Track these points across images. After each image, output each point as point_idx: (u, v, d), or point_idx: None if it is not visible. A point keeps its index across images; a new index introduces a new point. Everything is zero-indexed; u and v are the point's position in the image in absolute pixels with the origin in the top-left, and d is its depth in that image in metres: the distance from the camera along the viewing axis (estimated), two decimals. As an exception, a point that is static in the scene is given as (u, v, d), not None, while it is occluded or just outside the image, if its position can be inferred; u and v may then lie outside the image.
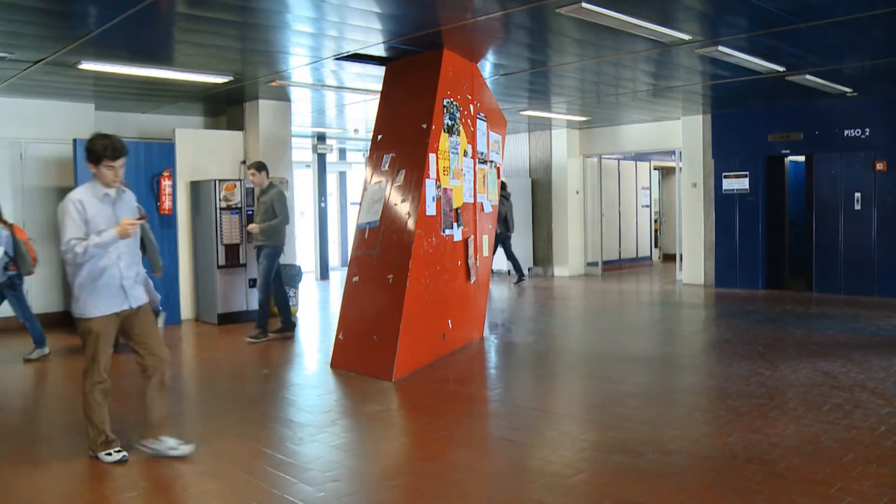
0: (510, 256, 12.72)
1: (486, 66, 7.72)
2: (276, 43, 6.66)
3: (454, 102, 6.88)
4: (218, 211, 8.89)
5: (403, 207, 6.41)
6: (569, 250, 13.89)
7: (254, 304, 9.22)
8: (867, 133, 10.28)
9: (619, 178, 15.34)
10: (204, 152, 9.55)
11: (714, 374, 6.18)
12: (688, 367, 6.57)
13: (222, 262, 8.94)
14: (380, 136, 6.90)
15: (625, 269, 15.26)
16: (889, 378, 5.72)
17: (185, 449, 4.19)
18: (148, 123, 10.36)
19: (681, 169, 12.79)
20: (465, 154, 7.11)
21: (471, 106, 7.20)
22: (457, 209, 6.94)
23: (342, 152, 16.44)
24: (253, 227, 7.91)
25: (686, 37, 6.36)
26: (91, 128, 9.34)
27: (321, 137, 14.35)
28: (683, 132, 12.24)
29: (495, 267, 12.88)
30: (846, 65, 7.98)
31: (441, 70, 6.66)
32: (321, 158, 14.62)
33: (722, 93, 9.67)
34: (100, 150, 3.97)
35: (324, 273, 14.51)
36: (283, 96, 9.50)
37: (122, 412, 4.86)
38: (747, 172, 11.44)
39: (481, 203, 7.47)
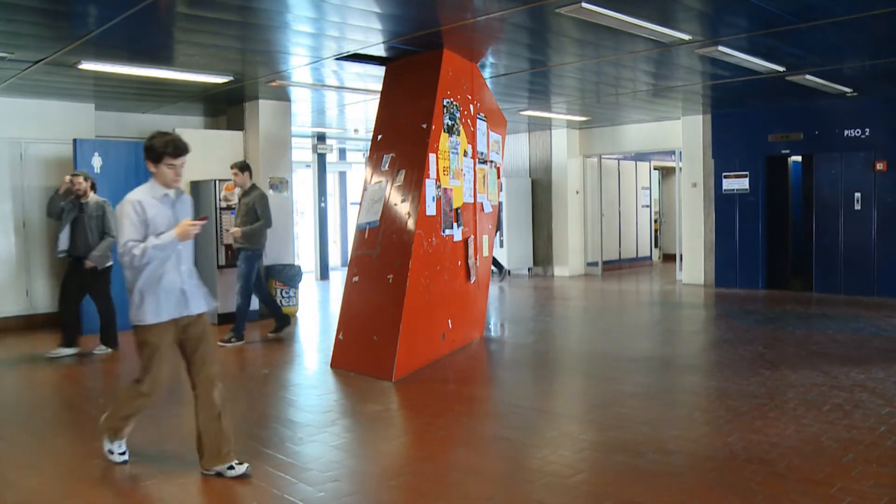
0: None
1: (486, 66, 7.72)
2: (276, 43, 6.66)
3: (454, 102, 6.88)
4: (218, 211, 8.88)
5: (403, 207, 6.41)
6: (569, 250, 13.89)
7: (253, 304, 9.22)
8: (867, 133, 10.28)
9: (619, 178, 15.34)
10: (204, 152, 9.54)
11: (714, 374, 6.18)
12: (688, 367, 6.57)
13: (222, 262, 8.94)
14: (380, 136, 6.90)
15: (625, 269, 15.26)
16: (889, 378, 5.72)
17: (241, 468, 3.90)
18: (148, 123, 10.34)
19: (681, 169, 12.79)
20: (465, 154, 7.11)
21: (471, 106, 7.20)
22: (457, 209, 6.94)
23: (342, 152, 16.44)
24: (235, 230, 7.67)
25: (686, 37, 6.36)
26: (91, 128, 9.36)
27: (321, 137, 14.35)
28: (683, 132, 12.24)
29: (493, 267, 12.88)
30: (846, 65, 7.98)
31: (441, 70, 6.66)
32: (321, 158, 14.62)
33: (722, 93, 9.67)
34: (160, 147, 3.79)
35: (324, 273, 14.51)
36: (283, 96, 9.50)
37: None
38: (747, 172, 11.44)
39: (481, 203, 7.48)
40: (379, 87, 7.44)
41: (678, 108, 11.19)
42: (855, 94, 9.68)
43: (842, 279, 10.68)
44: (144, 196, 3.83)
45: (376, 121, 7.05)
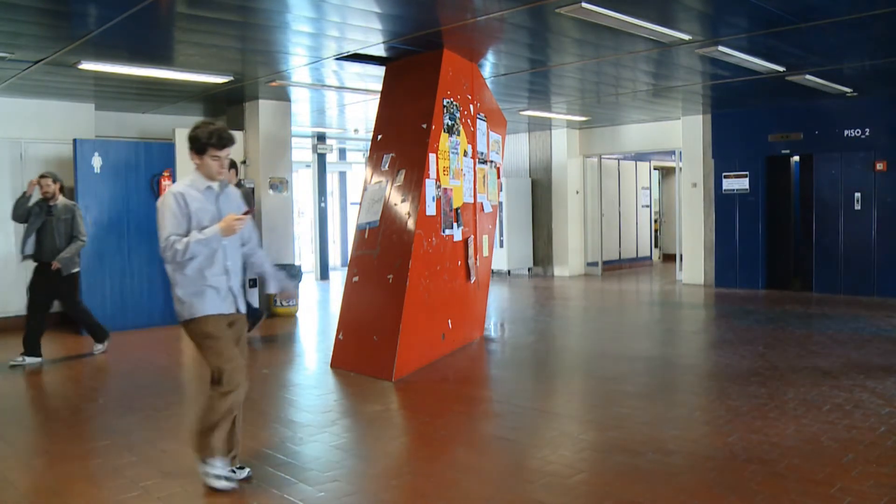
0: None
1: (486, 66, 7.72)
2: (276, 43, 6.66)
3: (454, 102, 6.88)
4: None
5: (403, 207, 6.41)
6: (569, 250, 13.89)
7: (254, 304, 9.22)
8: (867, 133, 10.28)
9: (619, 178, 15.34)
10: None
11: (714, 373, 6.17)
12: (688, 367, 6.57)
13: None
14: (380, 136, 6.90)
15: (625, 269, 15.26)
16: (889, 378, 5.72)
17: (242, 473, 3.89)
18: (148, 123, 10.36)
19: (681, 169, 12.79)
20: (465, 154, 7.11)
21: (471, 106, 7.20)
22: (457, 209, 6.94)
23: (342, 152, 16.44)
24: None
25: (686, 37, 6.36)
26: (91, 128, 9.36)
27: (321, 137, 14.35)
28: (683, 132, 12.24)
29: (493, 266, 12.88)
30: (846, 65, 7.98)
31: (441, 70, 6.66)
32: (321, 158, 14.62)
33: (722, 93, 9.68)
34: (204, 137, 3.61)
35: (324, 273, 14.51)
36: (283, 96, 9.50)
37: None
38: (747, 172, 11.44)
39: (481, 203, 7.48)
40: (379, 87, 7.44)
41: (678, 108, 11.19)
42: (855, 94, 9.68)
43: (842, 279, 10.68)
44: (187, 188, 3.66)
45: (376, 121, 7.05)
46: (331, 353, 6.73)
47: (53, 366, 6.92)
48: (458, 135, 6.95)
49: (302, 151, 14.18)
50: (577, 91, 9.55)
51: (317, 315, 10.10)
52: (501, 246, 13.65)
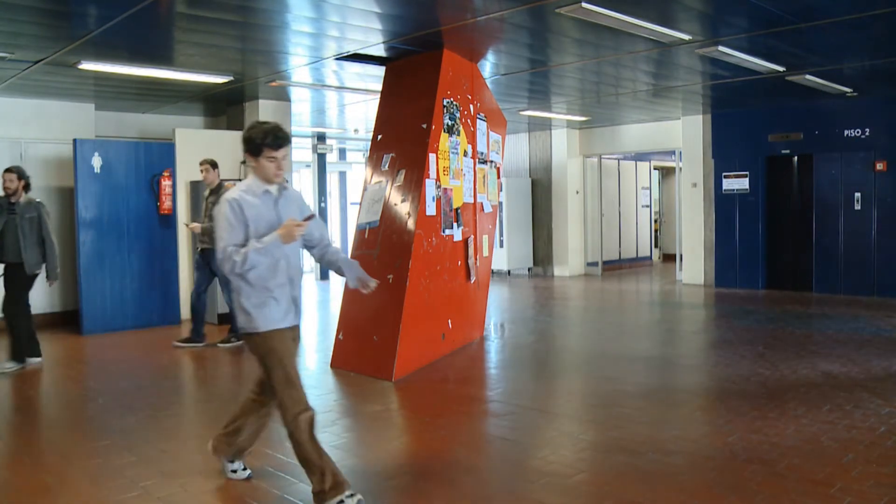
0: None
1: (486, 66, 7.72)
2: (276, 43, 6.67)
3: (454, 102, 6.88)
4: (218, 211, 8.87)
5: (403, 207, 6.41)
6: (569, 250, 13.89)
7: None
8: (867, 133, 10.29)
9: (619, 178, 15.34)
10: (204, 152, 9.53)
11: (714, 374, 6.17)
12: (688, 367, 6.57)
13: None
14: (380, 136, 6.90)
15: (625, 269, 15.26)
16: (889, 378, 5.72)
17: (244, 475, 3.86)
18: (148, 123, 10.36)
19: (681, 169, 12.79)
20: (465, 154, 7.11)
21: (471, 106, 7.20)
22: (457, 209, 6.95)
23: (342, 152, 16.45)
24: (195, 225, 7.39)
25: (686, 37, 6.36)
26: (91, 128, 9.36)
27: (321, 137, 14.35)
28: (683, 132, 12.24)
29: (494, 266, 12.88)
30: (846, 65, 7.98)
31: (441, 70, 6.67)
32: (321, 158, 14.63)
33: (722, 93, 9.68)
34: (259, 138, 3.41)
35: (324, 273, 14.51)
36: (283, 96, 9.50)
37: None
38: (747, 172, 11.44)
39: (481, 203, 7.48)
40: (379, 87, 7.44)
41: (678, 108, 11.19)
42: (855, 94, 9.68)
43: (842, 279, 10.68)
44: (242, 194, 3.42)
45: (376, 121, 7.05)
46: (331, 353, 6.73)
47: (53, 366, 6.92)
48: (458, 135, 6.95)
49: (302, 151, 14.18)
50: (577, 91, 9.55)
51: (317, 315, 10.10)
52: (501, 246, 13.66)
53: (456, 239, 6.94)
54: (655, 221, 17.02)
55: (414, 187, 6.39)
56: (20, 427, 5.11)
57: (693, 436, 4.51)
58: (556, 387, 6.13)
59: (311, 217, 3.54)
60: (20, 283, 6.57)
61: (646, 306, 10.54)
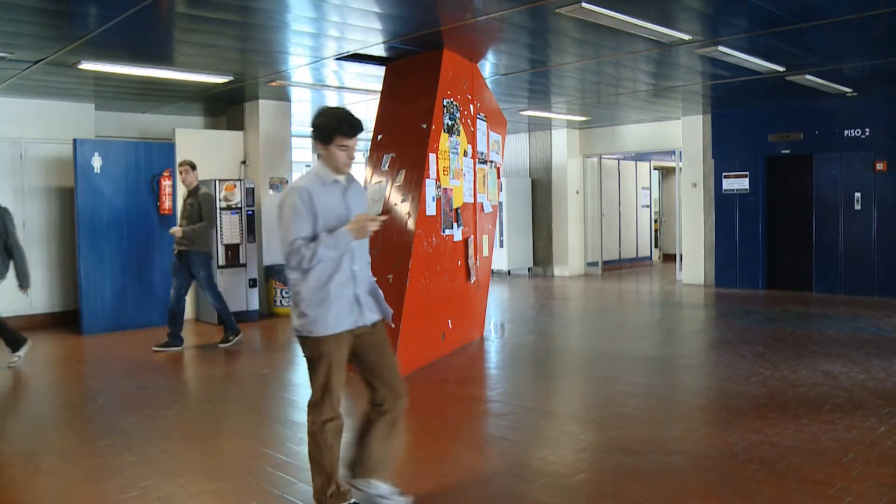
0: None
1: (486, 66, 7.72)
2: (276, 43, 6.67)
3: (454, 102, 6.88)
4: (218, 211, 8.89)
5: (403, 207, 6.41)
6: (569, 250, 13.89)
7: (254, 304, 9.24)
8: (867, 133, 10.29)
9: (619, 178, 15.34)
10: (204, 152, 9.55)
11: (714, 374, 6.17)
12: (688, 367, 6.57)
13: (222, 262, 8.94)
14: (380, 136, 6.90)
15: (625, 269, 15.26)
16: (889, 378, 5.72)
17: (399, 500, 3.40)
18: (148, 123, 10.36)
19: (681, 169, 12.79)
20: (465, 154, 7.12)
21: (471, 106, 7.20)
22: (457, 209, 6.95)
23: (342, 152, 16.41)
24: (176, 229, 7.29)
25: (686, 37, 6.36)
26: (91, 128, 9.36)
27: (321, 137, 14.32)
28: (683, 132, 12.24)
29: (494, 266, 12.88)
30: (846, 65, 7.98)
31: (441, 70, 6.67)
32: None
33: (722, 93, 9.67)
34: (333, 124, 3.16)
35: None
36: (283, 96, 9.51)
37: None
38: (747, 172, 11.44)
39: (481, 203, 7.48)
40: (379, 87, 7.44)
41: (678, 108, 11.19)
42: (855, 94, 9.68)
43: (842, 279, 10.68)
44: (312, 183, 3.19)
45: (376, 121, 7.05)
46: (331, 353, 6.72)
47: (53, 366, 6.92)
48: (458, 135, 6.96)
49: (302, 151, 14.16)
50: (577, 91, 9.55)
51: (317, 315, 10.08)
52: (501, 246, 13.66)
53: (456, 239, 6.94)
54: (655, 221, 17.02)
55: (414, 187, 6.39)
56: (20, 427, 5.11)
57: (693, 436, 4.51)
58: (556, 387, 6.13)
59: (387, 213, 3.34)
60: None
61: (646, 306, 10.54)
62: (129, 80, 7.91)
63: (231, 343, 7.56)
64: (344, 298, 3.21)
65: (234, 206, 9.01)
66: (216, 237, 8.89)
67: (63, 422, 5.27)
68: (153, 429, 4.82)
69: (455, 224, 6.91)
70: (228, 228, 8.98)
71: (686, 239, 12.45)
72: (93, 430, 4.93)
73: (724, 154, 11.68)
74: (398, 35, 6.30)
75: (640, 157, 15.52)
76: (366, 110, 10.73)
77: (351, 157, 3.22)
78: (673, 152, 13.52)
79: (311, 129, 3.23)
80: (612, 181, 15.14)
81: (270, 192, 9.80)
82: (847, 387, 5.48)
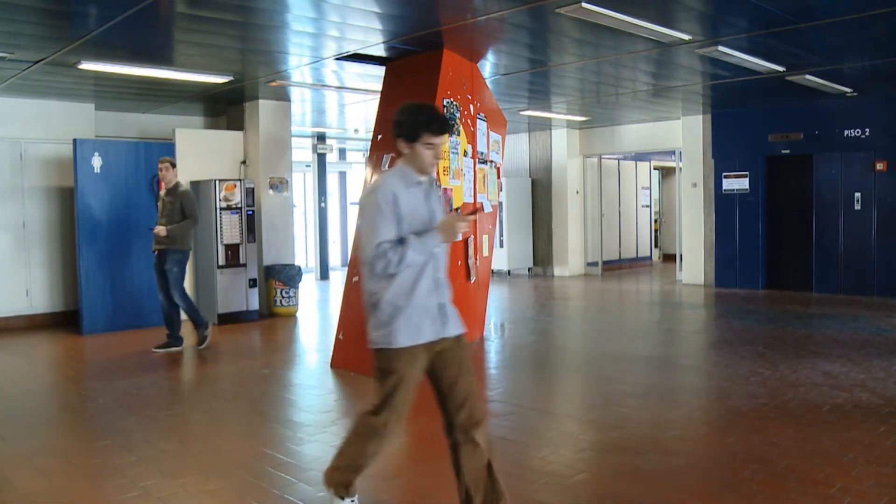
0: None
1: (486, 66, 7.71)
2: (276, 43, 6.66)
3: (454, 102, 6.88)
4: (218, 211, 8.89)
5: (403, 207, 6.40)
6: (569, 250, 13.89)
7: (254, 304, 9.23)
8: (867, 133, 10.29)
9: (619, 178, 15.34)
10: (204, 152, 9.56)
11: (714, 374, 6.18)
12: (688, 367, 6.57)
13: (222, 262, 8.94)
14: (380, 136, 6.90)
15: (625, 269, 15.26)
16: (889, 378, 5.72)
17: None
18: (148, 123, 10.36)
19: (681, 169, 12.79)
20: (465, 154, 7.11)
21: (471, 106, 7.20)
22: (457, 209, 6.94)
23: (342, 152, 16.44)
24: (160, 229, 7.14)
25: (686, 37, 6.36)
26: (91, 128, 9.36)
27: (321, 137, 14.35)
28: (683, 132, 12.24)
29: (494, 266, 12.88)
30: (846, 65, 7.98)
31: (441, 70, 6.66)
32: (321, 158, 14.63)
33: (722, 93, 9.67)
34: (421, 120, 2.93)
35: (324, 273, 14.51)
36: (283, 96, 9.51)
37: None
38: (747, 172, 11.44)
39: (481, 203, 7.47)
40: (379, 87, 7.45)
41: (678, 108, 11.19)
42: (855, 94, 9.68)
43: (842, 279, 10.68)
44: (395, 184, 2.95)
45: (376, 121, 7.05)
46: (331, 353, 6.73)
47: (53, 366, 6.92)
48: (458, 135, 6.95)
49: (302, 151, 14.18)
50: (577, 91, 9.55)
51: (317, 315, 10.10)
52: (501, 246, 13.66)
53: (456, 239, 6.93)
54: (655, 221, 17.02)
55: (414, 187, 6.38)
56: (21, 427, 5.11)
57: (693, 436, 4.51)
58: (556, 387, 6.13)
59: (477, 210, 3.28)
60: None
61: (646, 306, 10.54)
62: (129, 80, 7.91)
63: (206, 340, 7.41)
64: (428, 309, 3.02)
65: (234, 206, 9.01)
66: (216, 237, 8.89)
67: (63, 422, 5.27)
68: (153, 429, 4.82)
69: (455, 224, 6.89)
70: (228, 228, 8.98)
71: (686, 239, 12.45)
72: (93, 430, 4.93)
73: (724, 154, 11.68)
74: (398, 35, 6.30)
75: (640, 157, 15.52)
76: (366, 110, 10.75)
77: (437, 157, 3.01)
78: (673, 152, 13.53)
79: (395, 125, 2.99)
80: (612, 181, 15.14)
81: (270, 192, 9.81)
82: (847, 387, 5.47)
